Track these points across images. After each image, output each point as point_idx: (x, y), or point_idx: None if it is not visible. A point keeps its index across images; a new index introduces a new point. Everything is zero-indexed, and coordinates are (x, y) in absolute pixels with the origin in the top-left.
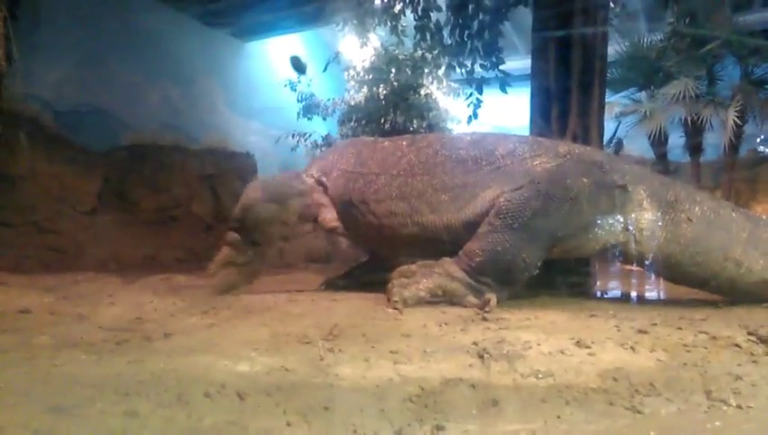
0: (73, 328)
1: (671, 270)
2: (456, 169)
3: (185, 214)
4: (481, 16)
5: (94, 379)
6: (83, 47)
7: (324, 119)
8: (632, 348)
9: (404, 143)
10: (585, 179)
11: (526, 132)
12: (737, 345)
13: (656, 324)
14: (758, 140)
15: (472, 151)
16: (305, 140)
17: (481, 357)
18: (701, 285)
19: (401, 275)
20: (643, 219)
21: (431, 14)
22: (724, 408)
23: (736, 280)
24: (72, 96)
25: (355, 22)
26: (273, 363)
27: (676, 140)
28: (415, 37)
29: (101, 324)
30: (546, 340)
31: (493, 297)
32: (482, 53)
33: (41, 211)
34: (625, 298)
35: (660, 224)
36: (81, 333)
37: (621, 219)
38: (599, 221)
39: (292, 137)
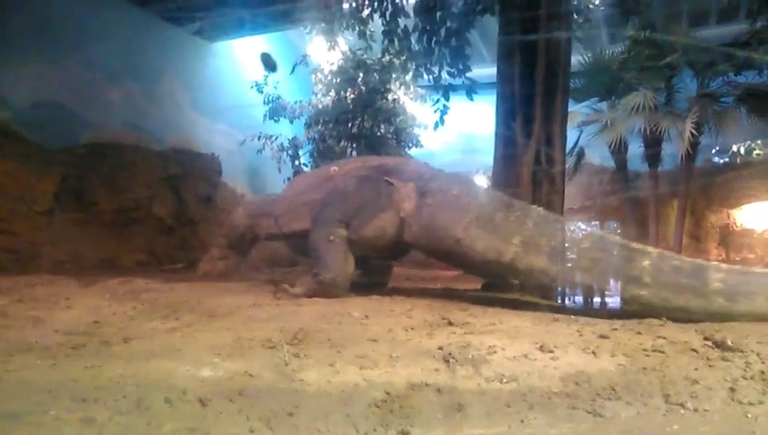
0: (28, 332)
1: (425, 250)
2: (312, 189)
3: (146, 215)
4: (448, 23)
5: (49, 384)
6: (42, 43)
7: (291, 121)
8: (593, 353)
9: (306, 173)
10: (359, 177)
11: (492, 139)
12: (694, 350)
13: (616, 329)
14: (713, 150)
15: (323, 173)
16: (271, 143)
17: (446, 362)
18: (446, 261)
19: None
20: (407, 208)
21: (399, 20)
22: (682, 411)
23: (463, 257)
24: (29, 93)
25: (323, 25)
26: (237, 368)
27: (636, 150)
28: (383, 42)
29: (57, 328)
30: (510, 344)
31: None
32: (449, 60)
33: None
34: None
35: (416, 210)
36: (36, 337)
37: (395, 209)
38: (381, 211)
39: (258, 139)
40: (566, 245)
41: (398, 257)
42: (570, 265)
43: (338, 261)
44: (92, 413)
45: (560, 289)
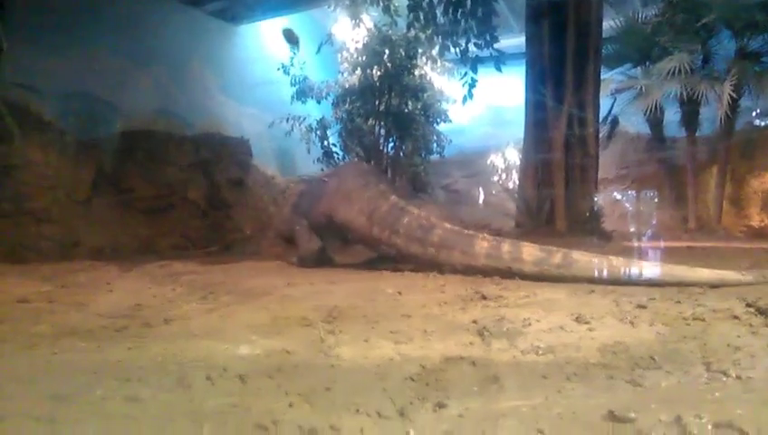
0: (72, 316)
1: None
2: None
3: (180, 200)
4: None
5: (94, 366)
6: (72, 34)
7: (318, 102)
8: (631, 322)
9: None
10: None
11: (522, 111)
12: (736, 317)
13: (654, 299)
14: (754, 113)
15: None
16: (300, 124)
17: (481, 335)
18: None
19: None
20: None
21: None
22: (724, 379)
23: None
24: (62, 84)
25: (347, 2)
26: (274, 346)
27: (672, 116)
28: (408, 16)
29: (100, 312)
30: (545, 317)
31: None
32: (475, 32)
33: (36, 200)
34: None
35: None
36: (81, 321)
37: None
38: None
39: (287, 121)
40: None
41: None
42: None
43: (304, 241)
44: (136, 392)
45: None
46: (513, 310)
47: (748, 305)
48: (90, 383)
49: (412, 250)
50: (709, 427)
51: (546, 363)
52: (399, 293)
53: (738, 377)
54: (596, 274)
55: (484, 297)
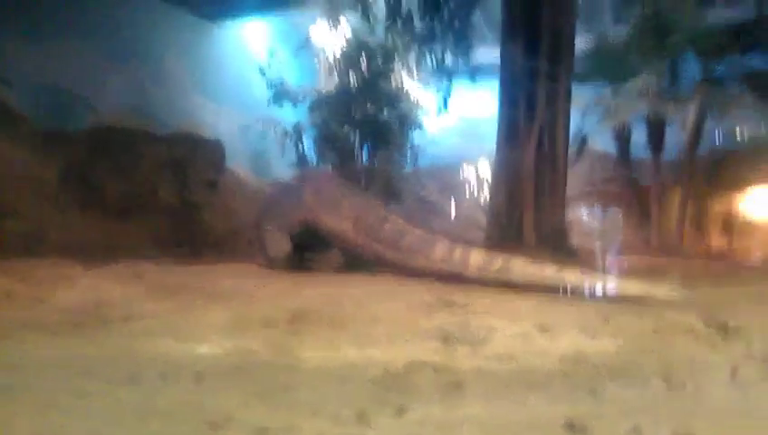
0: (29, 311)
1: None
2: None
3: (151, 199)
4: (451, 5)
5: (46, 359)
6: (47, 27)
7: (295, 105)
8: (593, 334)
9: None
10: None
11: (494, 124)
12: (694, 331)
13: (617, 312)
14: (717, 137)
15: None
16: (274, 129)
17: (445, 341)
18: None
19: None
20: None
21: (402, 1)
22: (683, 391)
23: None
24: (34, 76)
25: (327, 6)
26: (235, 346)
27: (639, 136)
28: (386, 23)
29: (59, 307)
30: (510, 325)
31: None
32: (452, 43)
33: (1, 193)
34: None
35: None
36: (37, 316)
37: None
38: None
39: (262, 125)
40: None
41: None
42: None
43: (273, 243)
44: (85, 386)
45: None
46: (478, 317)
47: (707, 321)
48: (39, 377)
49: (389, 256)
50: None
51: (509, 371)
52: (367, 297)
53: (696, 389)
54: (533, 280)
55: (450, 304)
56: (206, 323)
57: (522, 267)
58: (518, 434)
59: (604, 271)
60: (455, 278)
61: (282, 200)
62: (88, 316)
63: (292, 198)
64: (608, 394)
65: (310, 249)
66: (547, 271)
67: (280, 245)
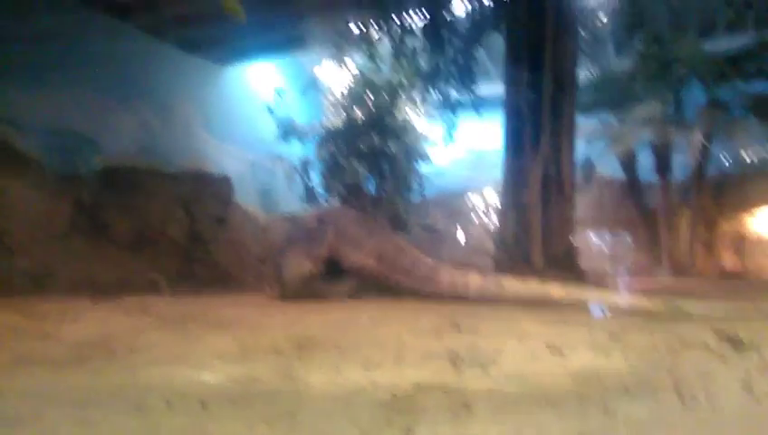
0: (36, 345)
1: None
2: None
3: (160, 237)
4: (455, 42)
5: (49, 392)
6: (56, 71)
7: (302, 142)
8: (604, 352)
9: None
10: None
11: (500, 153)
12: (707, 346)
13: (627, 329)
14: (724, 160)
15: None
16: (282, 163)
17: (454, 363)
18: None
19: None
20: None
21: (406, 41)
22: (696, 407)
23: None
24: (45, 120)
25: (333, 48)
26: (240, 373)
27: (647, 160)
28: (392, 62)
29: (65, 341)
30: (519, 346)
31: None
32: (456, 77)
33: (13, 234)
34: None
35: None
36: (43, 350)
37: None
38: None
39: (270, 161)
40: None
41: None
42: None
43: (293, 266)
44: (89, 416)
45: None
46: (487, 339)
47: (719, 335)
48: (43, 408)
49: (406, 283)
50: None
51: (518, 391)
52: (374, 322)
53: (710, 405)
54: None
55: (458, 327)
56: (212, 352)
57: (511, 284)
58: None
59: (602, 288)
60: (460, 299)
61: (302, 237)
62: (94, 349)
63: (314, 235)
64: (620, 411)
65: (323, 279)
66: (532, 285)
67: (298, 273)
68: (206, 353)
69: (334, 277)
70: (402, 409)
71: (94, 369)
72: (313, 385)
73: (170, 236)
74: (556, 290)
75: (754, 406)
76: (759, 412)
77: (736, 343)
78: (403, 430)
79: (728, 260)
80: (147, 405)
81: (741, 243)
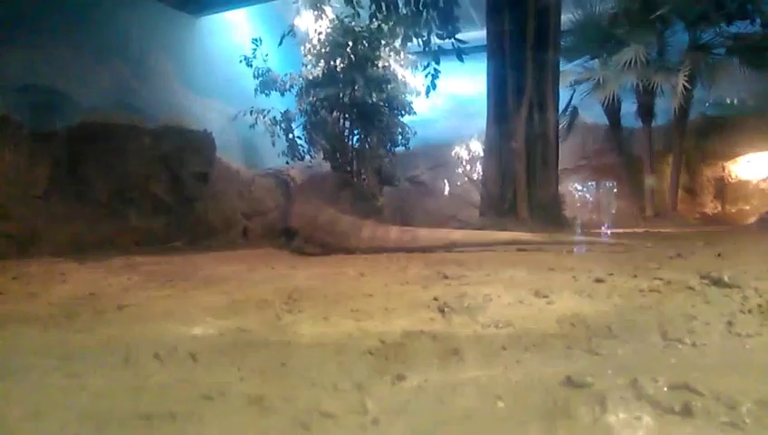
0: (21, 305)
1: None
2: None
3: (142, 195)
4: None
5: (37, 347)
6: (28, 26)
7: (282, 94)
8: (589, 295)
9: None
10: None
11: (484, 102)
12: (691, 288)
13: (612, 274)
14: (707, 104)
15: None
16: (264, 117)
17: (442, 311)
18: None
19: None
20: None
21: None
22: (680, 346)
23: None
24: (18, 76)
25: None
26: (230, 326)
27: (629, 107)
28: (370, 8)
29: (52, 301)
30: (506, 292)
31: None
32: (437, 23)
33: None
34: None
35: None
36: (30, 310)
37: None
38: None
39: (250, 114)
40: None
41: None
42: None
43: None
44: (77, 369)
45: None
46: (474, 287)
47: (702, 277)
48: (28, 362)
49: (328, 239)
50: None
51: (506, 336)
52: (362, 274)
53: (693, 344)
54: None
55: (446, 277)
56: (200, 307)
57: (425, 234)
58: (518, 393)
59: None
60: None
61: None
62: (81, 307)
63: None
64: (604, 351)
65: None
66: (441, 233)
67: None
68: (196, 309)
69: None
70: (392, 356)
71: (82, 326)
72: (303, 335)
73: (153, 194)
74: (457, 235)
75: (736, 344)
76: (741, 350)
77: (719, 284)
78: (394, 376)
79: (710, 206)
80: (135, 358)
81: (723, 188)
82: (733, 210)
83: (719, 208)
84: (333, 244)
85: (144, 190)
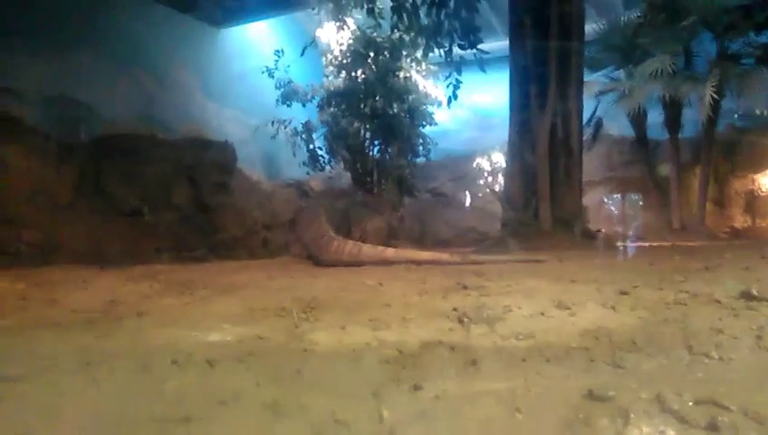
0: (43, 311)
1: None
2: None
3: (164, 205)
4: None
5: (55, 352)
6: (54, 38)
7: (304, 105)
8: (613, 308)
9: None
10: None
11: (506, 113)
12: (717, 301)
13: (637, 286)
14: (736, 115)
15: None
16: (285, 128)
17: (461, 321)
18: None
19: None
20: None
21: None
22: (706, 361)
23: None
24: (44, 88)
25: (331, 5)
26: (247, 333)
27: (656, 118)
28: (392, 19)
29: (72, 307)
30: (527, 303)
31: None
32: (459, 33)
33: (17, 206)
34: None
35: None
36: (50, 315)
37: None
38: None
39: (272, 124)
40: None
41: None
42: None
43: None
44: (95, 374)
45: None
46: (494, 298)
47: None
48: (48, 366)
49: (313, 250)
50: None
51: (526, 348)
52: (380, 284)
53: (720, 358)
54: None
55: (465, 287)
56: (218, 314)
57: (368, 250)
58: (537, 405)
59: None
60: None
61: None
62: (101, 314)
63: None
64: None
65: None
66: (388, 252)
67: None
68: (214, 316)
69: None
70: (409, 366)
71: (101, 332)
72: (319, 343)
73: (174, 204)
74: (390, 252)
75: (764, 358)
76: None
77: (747, 297)
78: (411, 386)
79: (739, 219)
80: (153, 364)
81: (753, 201)
82: (763, 224)
83: (749, 222)
84: (315, 255)
85: (166, 200)
